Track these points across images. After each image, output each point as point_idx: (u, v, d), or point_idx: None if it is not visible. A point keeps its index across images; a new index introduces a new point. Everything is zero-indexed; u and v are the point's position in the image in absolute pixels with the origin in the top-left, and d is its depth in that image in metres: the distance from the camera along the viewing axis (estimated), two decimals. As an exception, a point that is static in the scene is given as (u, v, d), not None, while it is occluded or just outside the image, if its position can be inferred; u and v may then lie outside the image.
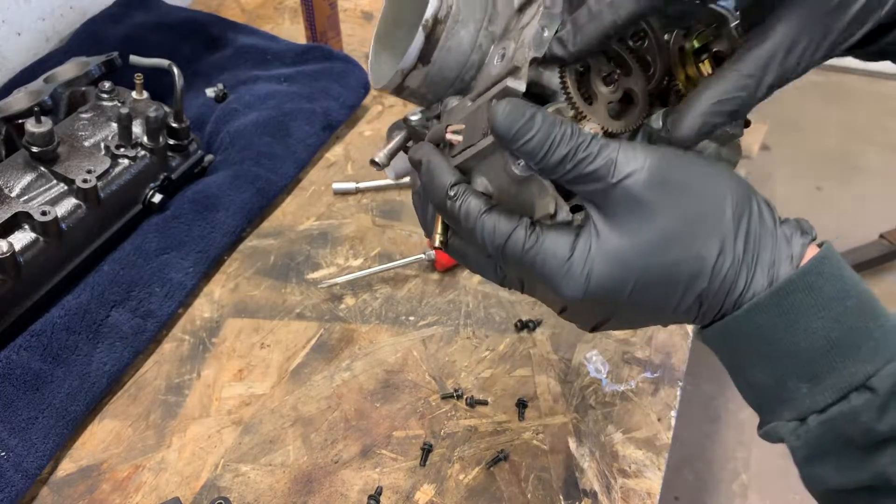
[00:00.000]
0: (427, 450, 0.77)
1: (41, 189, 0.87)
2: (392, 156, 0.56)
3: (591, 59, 0.51)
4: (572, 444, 0.78)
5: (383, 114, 1.23)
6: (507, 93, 0.48)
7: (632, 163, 0.45)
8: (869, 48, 0.54)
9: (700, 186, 0.46)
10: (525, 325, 0.89)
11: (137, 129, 0.96)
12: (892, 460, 0.44)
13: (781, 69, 0.48)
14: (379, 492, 0.74)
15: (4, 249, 0.79)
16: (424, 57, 0.52)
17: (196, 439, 0.79)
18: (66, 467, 0.77)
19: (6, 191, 0.85)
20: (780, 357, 0.47)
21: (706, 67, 0.53)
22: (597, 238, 0.47)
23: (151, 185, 0.97)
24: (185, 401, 0.82)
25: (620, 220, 0.46)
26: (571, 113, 0.50)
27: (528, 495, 0.74)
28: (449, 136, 0.51)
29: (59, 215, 0.85)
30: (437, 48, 0.51)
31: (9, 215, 0.82)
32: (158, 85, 1.02)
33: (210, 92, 1.17)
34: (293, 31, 1.38)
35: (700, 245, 0.46)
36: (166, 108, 0.99)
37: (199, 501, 0.74)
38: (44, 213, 0.83)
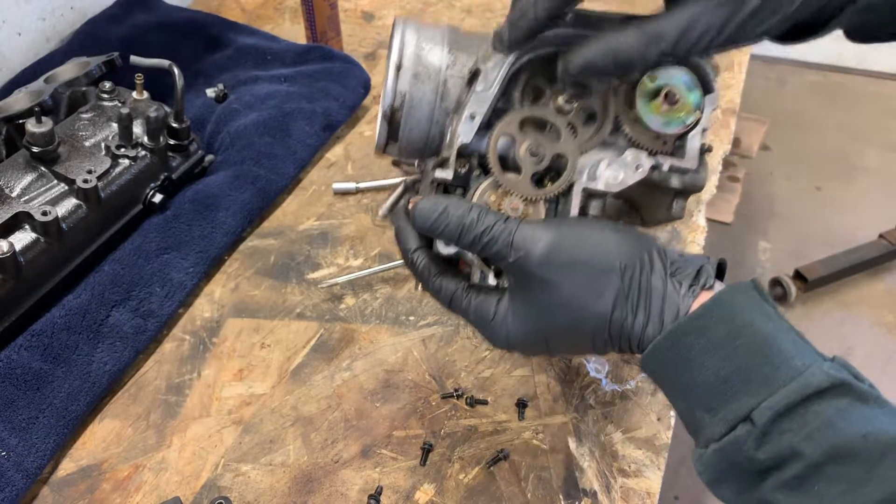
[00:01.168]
0: (427, 449, 0.77)
1: (42, 189, 0.87)
2: (392, 208, 0.68)
3: (518, 134, 0.60)
4: (572, 443, 0.78)
5: (383, 114, 1.23)
6: (437, 181, 0.60)
7: (528, 244, 0.55)
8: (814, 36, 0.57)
9: (591, 256, 0.55)
10: None
11: (138, 129, 0.96)
12: (773, 486, 0.49)
13: (679, 43, 0.53)
14: (379, 491, 0.74)
15: (5, 249, 0.79)
16: (392, 136, 0.63)
17: (196, 439, 0.79)
18: (67, 467, 0.77)
19: (7, 191, 0.85)
20: (684, 391, 0.54)
21: (658, 107, 0.60)
22: (511, 303, 0.57)
23: (152, 185, 0.97)
24: (186, 400, 0.83)
25: (526, 289, 0.56)
26: (500, 188, 0.60)
27: (528, 495, 0.75)
28: (411, 206, 0.61)
29: (59, 215, 0.85)
30: (400, 129, 0.62)
31: (9, 215, 0.82)
32: (159, 85, 1.02)
33: (210, 92, 1.17)
34: (293, 32, 1.38)
35: (595, 304, 0.54)
36: (167, 109, 0.99)
37: (200, 501, 0.74)
38: (44, 214, 0.83)
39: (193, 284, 0.92)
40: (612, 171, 0.61)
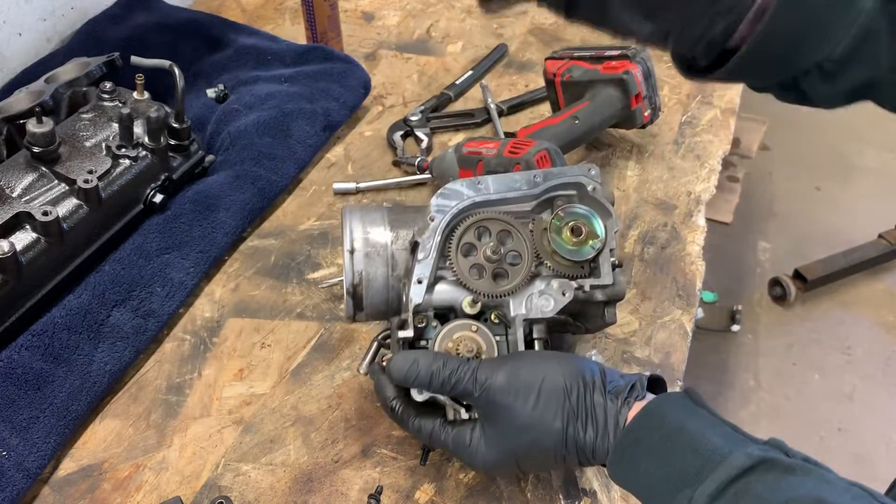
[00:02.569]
0: (427, 449, 0.77)
1: (42, 189, 0.87)
2: (371, 363, 0.78)
3: (474, 241, 0.73)
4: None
5: (383, 114, 1.23)
6: (402, 340, 0.71)
7: (489, 378, 0.65)
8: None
9: (541, 380, 0.64)
10: None
11: (138, 129, 0.96)
12: None
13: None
14: (379, 491, 0.74)
15: (6, 249, 0.79)
16: (358, 307, 0.74)
17: (197, 439, 0.79)
18: (67, 466, 0.77)
19: (7, 191, 0.85)
20: (643, 492, 0.60)
21: (569, 240, 0.72)
22: (482, 430, 0.66)
23: (152, 185, 0.97)
24: (186, 400, 0.83)
25: (492, 418, 0.65)
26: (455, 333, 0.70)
27: (528, 494, 0.75)
28: (385, 363, 0.71)
29: (60, 215, 0.85)
30: (363, 300, 0.74)
31: (10, 215, 0.82)
32: (159, 85, 1.02)
33: (211, 92, 1.17)
34: (294, 32, 1.38)
35: (551, 422, 0.63)
36: (167, 109, 0.99)
37: (200, 501, 0.74)
38: (45, 214, 0.83)
39: (194, 284, 0.92)
40: (544, 300, 0.72)
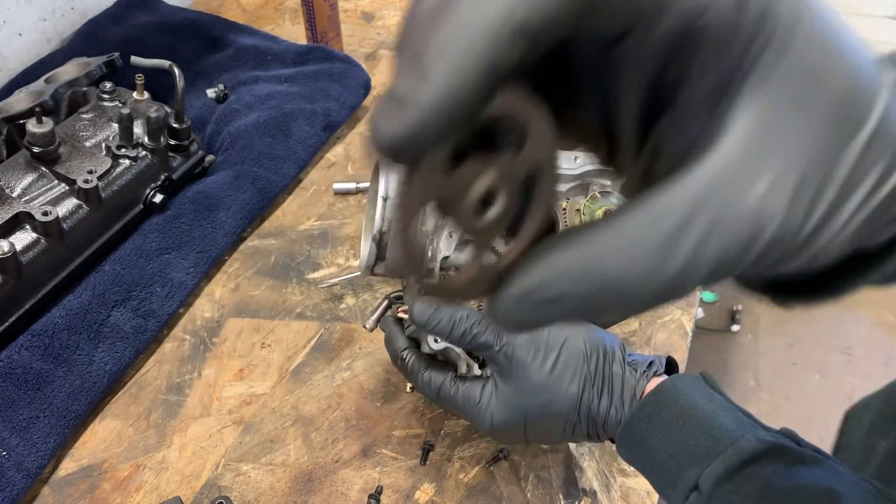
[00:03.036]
0: (427, 449, 0.77)
1: (42, 189, 0.87)
2: (378, 321, 0.75)
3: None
4: (572, 443, 0.78)
5: (383, 114, 1.23)
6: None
7: (510, 335, 0.63)
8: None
9: (563, 342, 0.64)
10: None
11: (138, 129, 0.96)
12: None
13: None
14: (379, 491, 0.74)
15: (6, 249, 0.79)
16: (381, 256, 0.68)
17: (197, 439, 0.79)
18: (67, 466, 0.77)
19: (7, 191, 0.85)
20: (649, 471, 0.60)
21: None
22: (495, 389, 0.65)
23: (152, 185, 0.97)
24: (186, 400, 0.83)
25: (508, 375, 0.64)
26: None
27: (528, 494, 0.75)
28: (400, 314, 0.72)
29: (60, 215, 0.85)
30: (387, 250, 0.68)
31: (10, 215, 0.82)
32: (159, 85, 1.02)
33: (211, 92, 1.17)
34: (293, 32, 1.38)
35: (567, 386, 0.62)
36: (167, 109, 0.99)
37: (200, 501, 0.74)
38: (45, 214, 0.83)
39: (194, 284, 0.92)
40: None
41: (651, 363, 0.64)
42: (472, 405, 0.65)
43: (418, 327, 0.67)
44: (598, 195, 0.71)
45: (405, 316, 0.72)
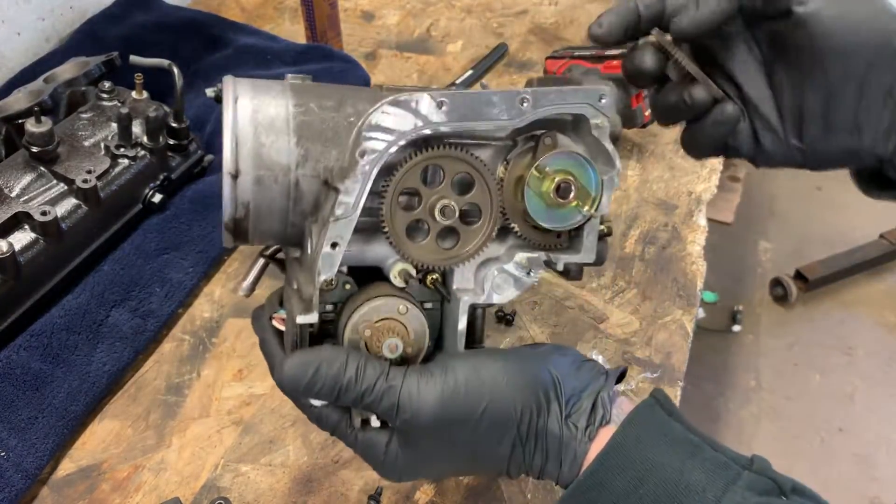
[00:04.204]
0: (427, 450, 0.77)
1: (41, 189, 0.87)
2: (254, 285, 0.61)
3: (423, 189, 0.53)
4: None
5: (383, 114, 1.23)
6: (301, 329, 0.53)
7: (415, 404, 0.51)
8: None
9: (484, 408, 0.52)
10: (503, 318, 0.90)
11: (137, 129, 0.96)
12: None
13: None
14: (379, 492, 0.74)
15: (4, 249, 0.79)
16: (241, 238, 0.54)
17: (196, 439, 0.79)
18: (66, 467, 0.77)
19: (6, 191, 0.85)
20: None
21: (551, 200, 0.53)
22: (402, 448, 0.54)
23: (151, 184, 0.97)
24: (185, 401, 0.82)
25: (417, 443, 0.53)
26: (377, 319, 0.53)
27: (528, 496, 0.74)
28: (276, 323, 0.58)
29: (58, 215, 0.85)
30: (248, 234, 0.54)
31: (9, 215, 0.82)
32: (158, 85, 1.02)
33: (210, 92, 1.16)
34: (293, 31, 1.37)
35: (493, 451, 0.53)
36: (166, 108, 0.99)
37: (199, 501, 0.74)
38: (44, 213, 0.83)
39: (193, 284, 0.92)
40: (501, 279, 0.56)
41: (594, 405, 0.54)
42: (374, 459, 0.56)
43: (291, 396, 0.54)
44: (546, 162, 0.53)
45: (281, 327, 0.59)
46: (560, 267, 0.57)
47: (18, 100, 0.96)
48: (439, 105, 0.51)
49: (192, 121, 1.07)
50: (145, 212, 0.97)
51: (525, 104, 0.53)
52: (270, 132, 0.51)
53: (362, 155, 0.50)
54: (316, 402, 0.54)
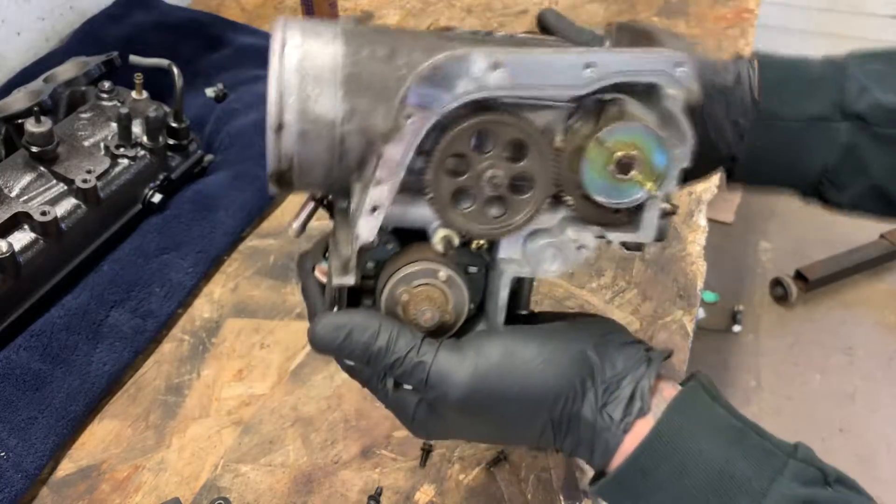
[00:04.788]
0: (427, 450, 0.77)
1: (41, 189, 0.87)
2: (304, 226, 0.58)
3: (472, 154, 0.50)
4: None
5: (383, 113, 1.23)
6: (339, 288, 0.51)
7: (445, 382, 0.50)
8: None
9: (518, 391, 0.50)
10: None
11: (137, 128, 0.96)
12: None
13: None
14: (379, 492, 0.74)
15: (4, 249, 0.79)
16: (286, 188, 0.52)
17: (196, 439, 0.79)
18: (66, 467, 0.76)
19: (6, 191, 0.85)
20: None
21: (610, 175, 0.48)
22: (430, 414, 0.53)
23: (151, 184, 0.96)
24: (185, 401, 0.82)
25: (445, 415, 0.52)
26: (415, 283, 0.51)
27: (529, 496, 0.74)
28: (318, 275, 0.57)
29: (58, 215, 0.85)
30: (292, 184, 0.51)
31: (8, 215, 0.82)
32: (158, 85, 1.02)
33: (210, 92, 1.17)
34: (293, 31, 1.37)
35: (521, 432, 0.52)
36: (166, 108, 0.98)
37: (199, 502, 0.74)
38: (43, 213, 0.83)
39: (193, 285, 0.92)
40: (549, 253, 0.52)
41: (633, 396, 0.51)
42: (404, 418, 0.55)
43: (322, 353, 0.53)
44: (608, 132, 0.48)
45: (323, 279, 0.57)
46: (615, 245, 0.53)
47: (18, 100, 0.96)
48: (495, 66, 0.47)
49: (193, 121, 1.07)
50: (145, 212, 0.97)
51: (590, 70, 0.48)
52: (317, 84, 0.48)
53: (408, 117, 0.47)
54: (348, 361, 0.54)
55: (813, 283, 2.33)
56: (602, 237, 0.52)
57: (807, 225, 2.58)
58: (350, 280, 0.50)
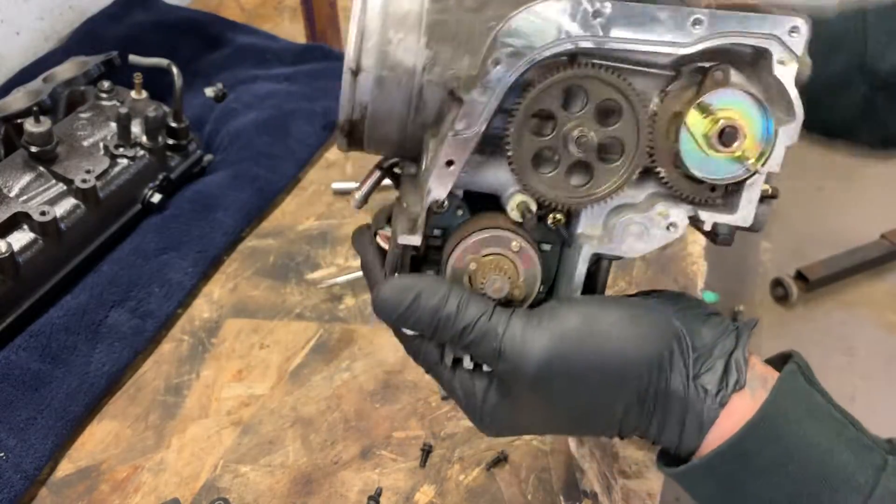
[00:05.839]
0: (427, 451, 0.77)
1: (40, 189, 0.87)
2: (367, 196, 0.55)
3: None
4: (572, 444, 0.78)
5: (383, 113, 1.22)
6: (404, 247, 0.48)
7: (519, 353, 0.46)
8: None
9: (599, 364, 0.46)
10: None
11: (136, 128, 0.96)
12: None
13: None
14: (379, 493, 0.74)
15: (3, 250, 0.79)
16: (355, 146, 0.50)
17: (195, 440, 0.79)
18: (65, 468, 0.76)
19: (5, 191, 0.85)
20: None
21: (711, 146, 0.45)
22: (501, 397, 0.49)
23: (150, 184, 0.96)
24: (185, 401, 0.82)
25: (519, 395, 0.48)
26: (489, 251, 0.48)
27: (529, 496, 0.74)
28: (380, 240, 0.54)
29: (57, 215, 0.85)
30: (363, 140, 0.49)
31: (8, 215, 0.82)
32: (158, 84, 1.02)
33: (209, 91, 1.17)
34: (293, 31, 1.37)
35: (603, 414, 0.47)
36: (165, 108, 0.98)
37: (199, 502, 0.73)
38: (43, 213, 0.83)
39: (192, 285, 0.92)
40: (636, 229, 0.48)
41: (727, 367, 0.47)
42: (472, 408, 0.51)
43: (387, 323, 0.49)
44: (713, 98, 0.44)
45: (386, 246, 0.54)
46: (707, 227, 0.49)
47: (17, 99, 0.96)
48: (594, 15, 0.43)
49: (192, 120, 1.07)
50: (144, 212, 0.97)
51: (698, 27, 0.44)
52: (400, 28, 0.46)
53: (495, 64, 0.44)
54: (410, 333, 0.50)
55: (813, 283, 2.32)
56: (694, 217, 0.49)
57: (807, 225, 2.58)
58: (417, 239, 0.47)
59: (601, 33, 0.44)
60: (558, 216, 0.48)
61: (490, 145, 0.47)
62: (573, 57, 0.45)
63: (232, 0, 1.48)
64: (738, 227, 0.49)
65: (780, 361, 0.50)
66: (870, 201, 2.66)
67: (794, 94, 0.45)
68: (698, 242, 1.01)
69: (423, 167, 0.48)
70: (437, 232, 0.50)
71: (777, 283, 2.35)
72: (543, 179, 0.47)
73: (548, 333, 0.46)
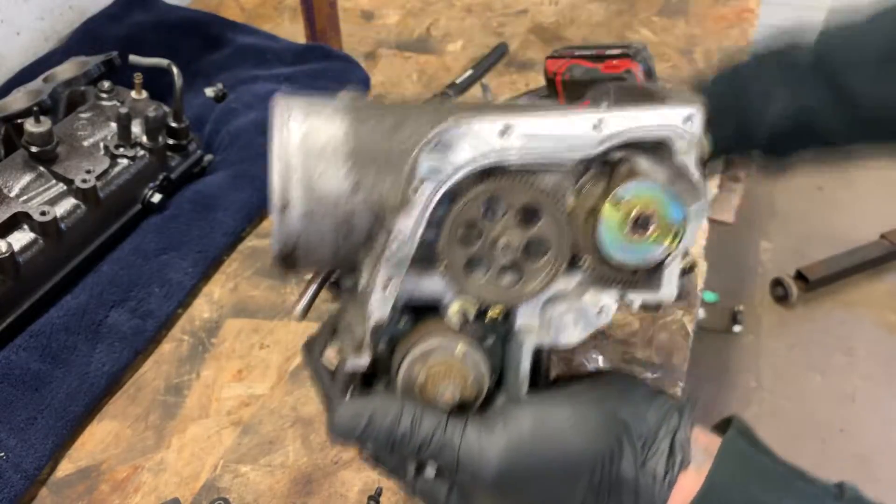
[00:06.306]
0: (427, 450, 0.77)
1: (40, 189, 0.87)
2: (308, 308, 0.57)
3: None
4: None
5: (383, 113, 1.22)
6: (352, 369, 0.50)
7: (475, 462, 0.48)
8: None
9: (553, 463, 0.48)
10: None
11: (137, 128, 0.96)
12: None
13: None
14: (379, 492, 0.74)
15: (3, 250, 0.79)
16: (290, 268, 0.51)
17: (195, 440, 0.79)
18: (66, 468, 0.76)
19: (5, 191, 0.85)
20: None
21: (627, 234, 0.47)
22: (462, 500, 0.51)
23: (151, 184, 0.96)
24: (185, 401, 0.82)
25: (475, 500, 0.50)
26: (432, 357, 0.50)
27: (529, 496, 0.74)
28: (328, 358, 0.56)
29: (58, 215, 0.85)
30: (297, 264, 0.51)
31: (8, 215, 0.82)
32: (158, 84, 1.02)
33: (209, 91, 1.17)
34: (293, 31, 1.37)
35: (562, 502, 0.48)
36: (165, 108, 0.98)
37: (199, 502, 0.74)
38: (43, 213, 0.83)
39: (192, 285, 0.92)
40: (570, 318, 0.51)
41: (672, 447, 0.49)
42: None
43: (344, 443, 0.52)
44: (621, 192, 0.47)
45: (333, 363, 0.57)
46: (635, 308, 0.52)
47: (17, 99, 0.96)
48: (503, 132, 0.46)
49: (192, 120, 1.07)
50: (144, 212, 0.97)
51: (600, 130, 0.48)
52: (320, 160, 0.48)
53: (415, 190, 0.46)
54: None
55: (813, 283, 2.32)
56: (622, 299, 0.51)
57: (807, 225, 2.58)
58: (364, 361, 0.49)
59: (511, 146, 0.47)
60: (496, 313, 0.51)
61: (423, 259, 0.49)
62: (489, 169, 0.47)
63: (232, 0, 1.48)
64: (660, 303, 0.52)
65: (725, 426, 0.52)
66: (870, 201, 2.66)
67: (696, 177, 0.48)
68: (698, 243, 1.01)
69: (361, 285, 0.49)
70: (382, 344, 0.52)
71: (777, 283, 2.35)
72: (477, 283, 0.49)
73: (503, 440, 0.48)
